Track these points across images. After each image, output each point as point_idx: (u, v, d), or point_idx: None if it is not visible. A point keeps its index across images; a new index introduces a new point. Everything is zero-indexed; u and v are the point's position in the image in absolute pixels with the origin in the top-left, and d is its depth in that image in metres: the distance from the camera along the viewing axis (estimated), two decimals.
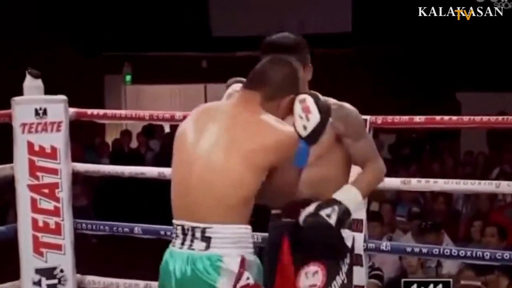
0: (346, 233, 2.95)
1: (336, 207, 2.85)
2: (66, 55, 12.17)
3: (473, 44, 11.20)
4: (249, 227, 2.64)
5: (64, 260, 4.06)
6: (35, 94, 4.08)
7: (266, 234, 3.14)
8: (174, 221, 2.68)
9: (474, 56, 11.33)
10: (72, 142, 4.13)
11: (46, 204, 4.03)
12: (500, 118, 3.80)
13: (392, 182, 3.90)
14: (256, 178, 2.59)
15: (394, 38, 11.70)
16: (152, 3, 12.49)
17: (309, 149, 2.73)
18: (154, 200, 8.99)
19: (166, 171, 4.09)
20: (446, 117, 3.77)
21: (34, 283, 4.03)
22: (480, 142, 10.13)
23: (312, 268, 2.90)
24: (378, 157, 3.02)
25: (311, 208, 2.86)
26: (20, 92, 4.09)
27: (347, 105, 2.99)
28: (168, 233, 4.06)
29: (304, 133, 2.71)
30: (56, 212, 4.05)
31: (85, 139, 10.31)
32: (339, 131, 2.92)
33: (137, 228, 4.15)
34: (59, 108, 4.07)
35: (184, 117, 4.09)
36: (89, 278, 4.21)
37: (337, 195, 2.88)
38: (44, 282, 4.04)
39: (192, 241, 2.60)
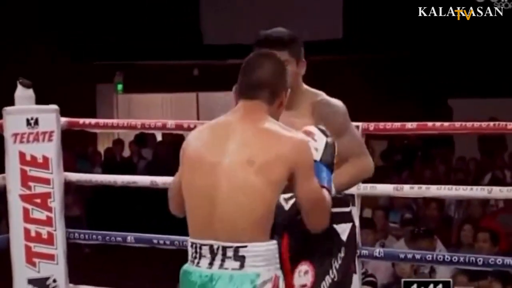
0: (341, 227, 2.95)
1: None
2: (58, 65, 12.16)
3: (468, 46, 11.23)
4: (275, 242, 2.62)
5: (56, 270, 4.05)
6: (26, 104, 4.07)
7: None
8: (196, 240, 2.61)
9: (466, 61, 11.37)
10: (64, 151, 4.12)
11: (39, 214, 4.03)
12: (491, 124, 3.81)
13: (385, 189, 3.91)
14: (275, 192, 2.57)
15: (385, 45, 11.73)
16: (143, 12, 12.50)
17: (330, 173, 2.73)
18: (147, 209, 8.99)
19: (158, 179, 4.09)
20: (438, 123, 3.78)
21: None
22: (474, 148, 10.15)
23: (303, 267, 2.89)
24: (365, 154, 3.02)
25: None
26: (11, 102, 4.09)
27: (333, 101, 3.01)
28: (161, 241, 4.06)
29: (317, 155, 2.71)
30: (48, 222, 4.04)
31: (77, 149, 10.30)
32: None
33: (130, 237, 4.14)
34: (50, 118, 4.06)
35: (176, 126, 4.15)
36: (82, 287, 4.20)
37: None
38: None
39: (223, 260, 2.56)
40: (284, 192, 2.64)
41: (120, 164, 10.76)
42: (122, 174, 4.37)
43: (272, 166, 2.54)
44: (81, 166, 9.74)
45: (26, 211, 4.01)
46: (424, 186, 3.83)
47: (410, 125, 3.79)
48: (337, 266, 2.94)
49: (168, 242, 4.05)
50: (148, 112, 13.19)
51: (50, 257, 4.04)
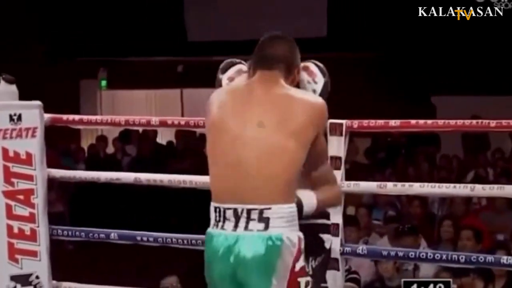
0: (326, 237, 3.02)
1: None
2: (41, 61, 12.11)
3: (452, 44, 11.27)
4: (295, 205, 2.69)
5: (39, 267, 4.04)
6: (9, 99, 4.05)
7: None
8: (220, 204, 2.67)
9: (450, 58, 11.40)
10: (47, 147, 4.11)
11: (21, 211, 4.01)
12: (474, 121, 3.82)
13: (368, 186, 3.92)
14: (305, 152, 2.69)
15: (368, 43, 11.75)
16: (128, 8, 12.46)
17: None
18: (131, 206, 8.98)
19: (142, 176, 4.08)
20: (421, 121, 3.79)
21: None
22: (457, 146, 10.19)
23: None
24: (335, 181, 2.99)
25: None
26: None
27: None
28: (145, 238, 4.05)
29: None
30: (31, 219, 4.02)
31: (60, 145, 10.26)
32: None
33: (114, 233, 4.13)
34: (34, 114, 4.04)
35: (161, 122, 4.13)
36: (65, 284, 4.19)
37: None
38: None
39: (247, 222, 2.63)
40: None
41: (104, 160, 10.73)
42: (106, 171, 4.36)
43: (305, 129, 2.67)
44: (65, 162, 9.71)
45: (9, 208, 3.99)
46: (407, 184, 3.84)
47: (393, 122, 3.80)
48: (313, 265, 2.98)
49: (151, 239, 4.04)
50: (132, 108, 13.15)
51: (33, 253, 4.03)
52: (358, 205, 7.28)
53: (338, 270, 3.80)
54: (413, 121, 3.80)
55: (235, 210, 2.64)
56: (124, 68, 12.99)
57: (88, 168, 9.52)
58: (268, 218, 2.62)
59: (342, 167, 3.73)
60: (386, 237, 6.56)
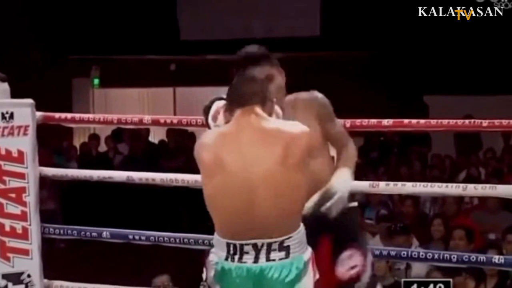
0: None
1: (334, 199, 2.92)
2: (33, 58, 12.08)
3: (444, 45, 11.29)
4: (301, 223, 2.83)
5: (31, 265, 4.03)
6: (1, 97, 4.04)
7: None
8: (235, 241, 2.76)
9: (443, 58, 11.42)
10: (39, 146, 4.10)
11: (13, 209, 4.00)
12: (467, 121, 3.83)
13: (361, 185, 3.92)
14: (306, 178, 2.79)
15: (361, 42, 11.76)
16: (121, 6, 12.44)
17: None
18: (123, 204, 8.97)
19: (134, 175, 4.07)
20: (414, 120, 3.80)
21: None
22: (449, 146, 10.20)
23: (345, 253, 3.00)
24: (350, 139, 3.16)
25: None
26: None
27: (314, 94, 3.12)
28: (137, 237, 4.05)
29: None
30: (23, 217, 4.01)
31: (52, 143, 10.24)
32: (321, 119, 3.06)
33: (106, 232, 4.13)
34: (26, 112, 4.03)
35: (153, 121, 4.13)
36: (57, 283, 4.18)
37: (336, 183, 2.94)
38: (11, 287, 4.00)
39: (268, 253, 2.74)
40: None
41: (96, 159, 10.71)
42: (98, 169, 4.35)
43: (302, 160, 2.76)
44: (57, 161, 9.69)
45: (0, 206, 3.98)
46: (399, 183, 3.84)
47: (386, 122, 3.81)
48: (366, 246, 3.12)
49: (143, 238, 4.04)
50: (125, 107, 13.13)
51: (25, 252, 4.02)
52: None
53: None
54: (406, 121, 3.81)
55: (254, 244, 2.75)
56: (117, 66, 12.96)
57: (80, 166, 9.50)
58: (288, 246, 2.75)
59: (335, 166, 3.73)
60: (378, 236, 6.56)
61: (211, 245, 2.89)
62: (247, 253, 2.74)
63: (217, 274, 2.80)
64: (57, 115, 4.21)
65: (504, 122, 3.66)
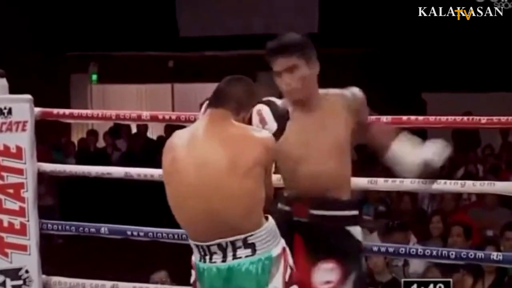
0: (354, 229, 3.04)
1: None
2: (32, 54, 12.07)
3: (443, 43, 11.30)
4: (270, 216, 2.82)
5: (29, 261, 4.03)
6: None
7: None
8: (200, 243, 2.78)
9: (441, 55, 11.42)
10: (38, 141, 4.09)
11: (11, 204, 4.00)
12: (465, 118, 3.83)
13: (359, 182, 3.92)
14: (261, 185, 2.77)
15: (360, 39, 11.76)
16: (119, 2, 12.43)
17: None
18: (121, 200, 8.97)
19: (132, 171, 4.07)
20: (413, 117, 3.80)
21: None
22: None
23: (327, 265, 2.98)
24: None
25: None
26: None
27: (353, 90, 3.15)
28: (135, 233, 4.04)
29: None
30: (21, 213, 4.01)
31: (51, 139, 10.24)
32: (360, 118, 3.09)
33: (104, 228, 4.12)
34: (24, 108, 4.03)
35: (151, 117, 4.13)
36: (55, 279, 4.18)
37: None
38: (9, 283, 4.00)
39: (234, 251, 2.76)
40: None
41: (94, 155, 10.71)
42: (96, 165, 4.34)
43: (253, 168, 2.72)
44: (55, 156, 9.69)
45: None
46: (398, 180, 3.84)
47: (385, 118, 3.80)
48: (362, 264, 3.06)
49: (142, 234, 4.03)
50: (123, 103, 13.14)
51: (23, 247, 4.02)
52: None
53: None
54: (404, 117, 3.81)
55: (219, 244, 2.76)
56: (115, 62, 12.96)
57: (79, 162, 9.50)
58: (253, 244, 2.75)
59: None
60: (376, 233, 6.57)
61: None
62: (215, 253, 2.77)
63: (198, 275, 2.85)
64: (55, 110, 4.20)
65: (503, 119, 3.66)
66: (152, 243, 4.08)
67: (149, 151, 10.30)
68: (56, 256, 5.07)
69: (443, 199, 7.53)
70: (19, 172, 4.01)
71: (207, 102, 2.93)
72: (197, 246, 2.80)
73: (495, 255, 3.80)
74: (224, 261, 2.76)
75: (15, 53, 11.34)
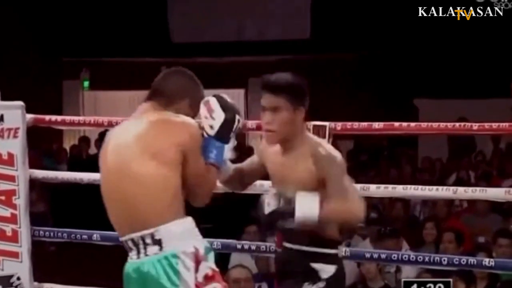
0: (321, 266, 2.94)
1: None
2: (24, 61, 12.05)
3: (436, 46, 11.32)
4: (190, 217, 2.74)
5: (21, 268, 4.02)
6: None
7: (226, 241, 3.25)
8: (121, 237, 2.77)
9: (433, 61, 11.45)
10: (29, 148, 4.08)
11: (3, 211, 3.99)
12: (457, 124, 3.84)
13: None
14: (176, 172, 2.70)
15: (352, 45, 11.78)
16: (111, 8, 12.43)
17: (226, 148, 2.85)
18: None
19: None
20: (405, 124, 3.80)
21: None
22: (437, 149, 10.22)
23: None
24: (355, 201, 2.97)
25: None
26: None
27: (332, 153, 2.98)
28: None
29: (212, 132, 2.83)
30: (13, 219, 4.00)
31: (42, 146, 10.21)
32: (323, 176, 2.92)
33: (96, 235, 4.12)
34: (16, 114, 4.02)
35: None
36: (47, 286, 4.17)
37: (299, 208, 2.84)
38: None
39: (145, 248, 2.70)
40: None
41: (86, 161, 10.68)
42: (88, 172, 4.34)
43: (166, 151, 2.68)
44: (47, 163, 9.66)
45: None
46: (390, 186, 3.84)
47: (377, 125, 3.81)
48: None
49: None
50: (115, 109, 13.10)
51: (14, 255, 4.01)
52: None
53: None
54: (396, 124, 3.81)
55: (132, 240, 2.73)
56: (107, 69, 12.95)
57: (70, 169, 9.48)
58: (160, 240, 2.68)
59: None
60: (368, 239, 6.56)
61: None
62: (131, 249, 2.74)
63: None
64: (47, 117, 4.20)
65: (494, 125, 3.67)
66: None
67: None
68: (48, 263, 5.06)
69: (435, 205, 7.53)
70: (11, 179, 4.00)
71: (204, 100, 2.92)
72: (121, 242, 2.79)
73: (487, 261, 3.80)
74: (138, 258, 2.73)
75: (8, 59, 11.31)
